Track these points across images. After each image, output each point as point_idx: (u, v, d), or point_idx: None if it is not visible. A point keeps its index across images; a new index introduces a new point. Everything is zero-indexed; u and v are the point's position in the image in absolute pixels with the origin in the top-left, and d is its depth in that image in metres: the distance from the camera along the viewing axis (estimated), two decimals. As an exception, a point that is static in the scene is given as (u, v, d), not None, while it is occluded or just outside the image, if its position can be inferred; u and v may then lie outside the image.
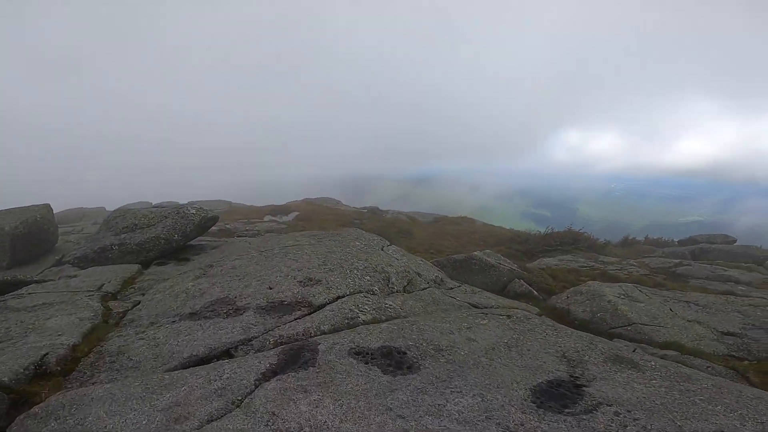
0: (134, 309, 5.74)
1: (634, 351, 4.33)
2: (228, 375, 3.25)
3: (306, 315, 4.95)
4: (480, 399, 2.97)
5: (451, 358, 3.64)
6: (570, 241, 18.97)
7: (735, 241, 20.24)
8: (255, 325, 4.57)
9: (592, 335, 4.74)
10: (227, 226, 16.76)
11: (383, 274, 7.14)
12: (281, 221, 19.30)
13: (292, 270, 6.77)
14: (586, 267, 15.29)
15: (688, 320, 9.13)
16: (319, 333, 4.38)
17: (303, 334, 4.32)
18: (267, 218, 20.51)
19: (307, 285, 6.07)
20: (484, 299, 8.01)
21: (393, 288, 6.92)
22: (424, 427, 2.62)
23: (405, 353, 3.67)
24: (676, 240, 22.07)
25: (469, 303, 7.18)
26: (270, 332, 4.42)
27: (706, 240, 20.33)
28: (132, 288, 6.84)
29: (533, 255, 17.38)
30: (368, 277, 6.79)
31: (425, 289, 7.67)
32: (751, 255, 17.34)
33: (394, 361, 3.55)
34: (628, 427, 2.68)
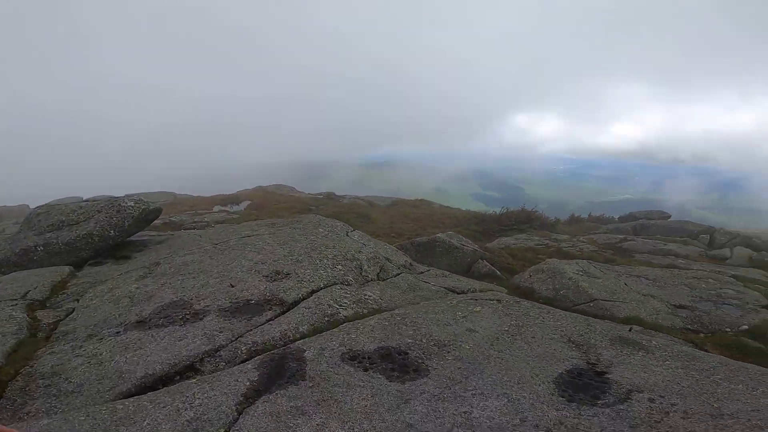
0: (68, 319, 4.82)
1: (630, 330, 4.20)
2: (200, 400, 2.63)
3: (279, 315, 4.35)
4: (506, 400, 2.63)
5: (458, 354, 3.26)
6: (524, 220, 19.47)
7: (669, 216, 21.84)
8: (221, 332, 3.92)
9: (585, 316, 4.58)
10: (172, 218, 15.35)
11: (355, 262, 6.66)
12: (232, 211, 18.04)
13: (254, 263, 6.09)
14: (541, 245, 15.70)
15: (643, 294, 9.46)
16: (299, 336, 3.82)
17: (281, 339, 3.75)
18: (216, 208, 19.10)
19: (275, 279, 5.44)
20: (458, 282, 7.78)
21: (367, 276, 6.47)
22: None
23: (406, 353, 3.25)
24: (616, 217, 23.44)
25: (445, 288, 6.90)
26: (240, 339, 3.79)
27: (645, 216, 21.75)
28: (63, 293, 5.82)
29: (491, 235, 17.62)
30: (340, 267, 6.28)
31: (398, 275, 7.29)
32: (686, 230, 18.74)
33: (396, 364, 3.11)
34: (670, 414, 2.46)
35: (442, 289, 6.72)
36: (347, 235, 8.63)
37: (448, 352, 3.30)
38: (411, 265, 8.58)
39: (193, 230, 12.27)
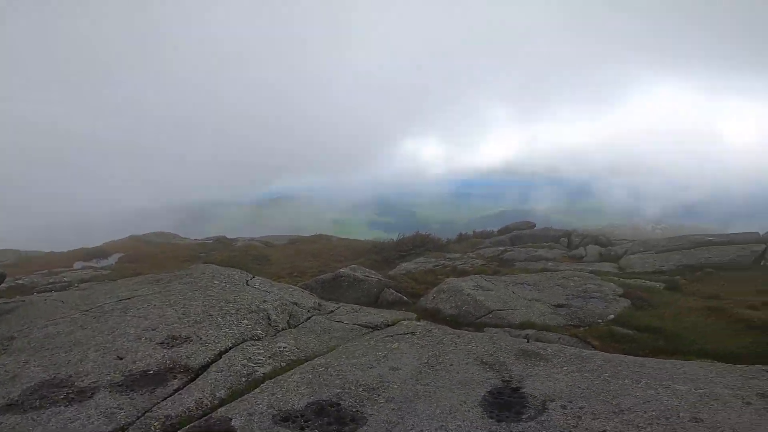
0: None
1: (527, 342, 4.71)
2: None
3: (188, 382, 3.92)
4: None
5: (388, 395, 3.30)
6: (419, 244, 20.60)
7: (535, 225, 25.19)
8: (120, 409, 3.38)
9: (490, 334, 5.01)
10: (20, 281, 12.75)
11: (262, 313, 6.34)
12: (100, 267, 15.63)
13: (143, 330, 5.40)
14: (439, 266, 16.74)
15: (528, 300, 10.63)
16: (218, 402, 3.47)
17: (198, 408, 3.37)
18: (78, 265, 16.36)
19: (174, 345, 4.88)
20: (369, 316, 7.86)
21: (277, 326, 6.19)
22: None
23: (339, 404, 3.18)
24: (495, 230, 26.20)
25: (359, 324, 6.92)
26: (149, 413, 3.31)
27: (516, 227, 24.74)
28: None
29: (391, 262, 18.25)
30: (246, 321, 5.91)
31: (309, 318, 7.12)
32: (549, 235, 21.81)
33: (332, 417, 3.02)
34: (582, 417, 2.82)
35: (357, 326, 6.72)
36: (247, 284, 8.19)
37: (379, 395, 3.32)
38: (320, 305, 8.43)
39: (49, 294, 10.32)
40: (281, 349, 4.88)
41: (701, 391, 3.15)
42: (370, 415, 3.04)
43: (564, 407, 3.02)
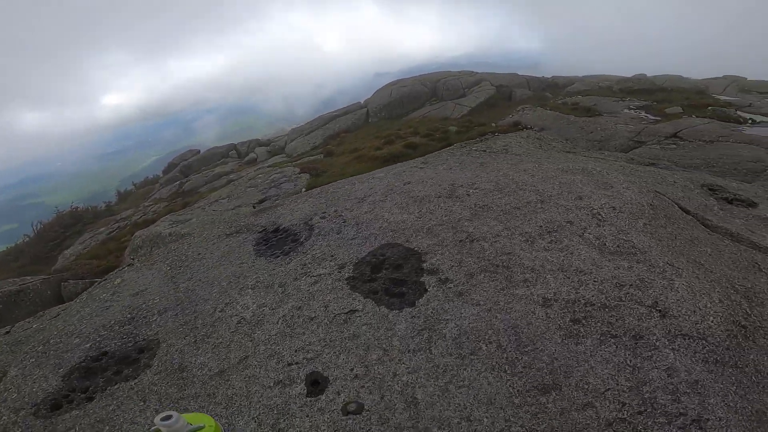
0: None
1: (255, 207, 4.83)
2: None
3: None
4: (251, 293, 2.60)
5: (160, 308, 2.74)
6: (72, 222, 16.57)
7: (199, 151, 24.23)
8: None
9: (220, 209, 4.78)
10: None
11: None
12: None
13: None
14: (115, 231, 14.09)
15: (231, 209, 10.86)
16: None
17: None
18: None
19: None
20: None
21: None
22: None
23: (107, 352, 2.39)
24: (160, 173, 23.68)
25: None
26: None
27: (180, 159, 23.18)
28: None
29: (46, 257, 14.06)
30: None
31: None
32: (218, 154, 21.92)
33: (114, 365, 2.25)
34: (343, 214, 3.31)
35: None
36: None
37: (146, 317, 2.68)
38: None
39: None
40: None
41: (388, 179, 4.14)
42: (157, 332, 2.49)
43: (323, 217, 3.38)
